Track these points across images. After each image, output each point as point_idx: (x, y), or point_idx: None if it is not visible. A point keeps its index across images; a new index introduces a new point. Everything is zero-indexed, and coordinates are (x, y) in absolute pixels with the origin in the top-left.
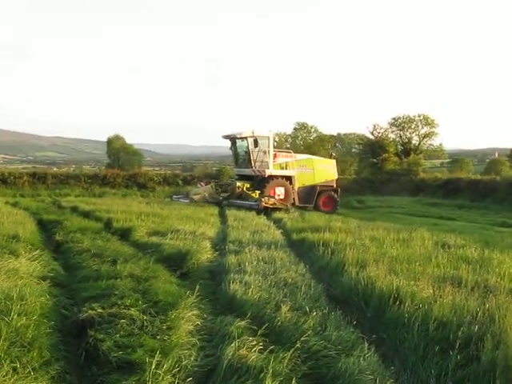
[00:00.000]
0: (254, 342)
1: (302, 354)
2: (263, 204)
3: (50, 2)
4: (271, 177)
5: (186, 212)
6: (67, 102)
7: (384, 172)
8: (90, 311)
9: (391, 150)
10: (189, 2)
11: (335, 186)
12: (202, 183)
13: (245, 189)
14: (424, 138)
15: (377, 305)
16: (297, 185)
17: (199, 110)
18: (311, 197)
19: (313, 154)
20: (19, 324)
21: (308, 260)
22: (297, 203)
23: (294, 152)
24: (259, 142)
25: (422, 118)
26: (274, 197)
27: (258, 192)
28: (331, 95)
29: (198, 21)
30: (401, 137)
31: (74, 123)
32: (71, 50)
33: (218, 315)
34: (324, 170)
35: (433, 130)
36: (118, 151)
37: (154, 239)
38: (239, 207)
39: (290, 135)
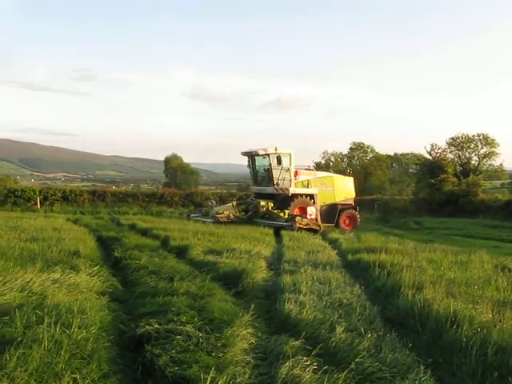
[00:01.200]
0: (308, 362)
1: (356, 375)
2: (297, 225)
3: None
4: (294, 195)
5: (242, 231)
6: (126, 121)
7: (442, 193)
8: (147, 327)
9: (450, 170)
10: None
11: (354, 203)
12: (212, 201)
13: (270, 208)
14: (484, 158)
15: (433, 328)
16: (319, 203)
17: (256, 130)
18: (332, 215)
19: (369, 174)
20: (80, 337)
21: (363, 281)
22: (319, 222)
23: (353, 172)
24: (282, 159)
25: (481, 137)
26: (305, 217)
27: (286, 211)
28: (388, 114)
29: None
30: (459, 157)
31: (133, 142)
32: (129, 71)
33: (272, 334)
34: (344, 188)
35: (493, 149)
36: (175, 170)
37: (210, 258)
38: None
39: (345, 155)
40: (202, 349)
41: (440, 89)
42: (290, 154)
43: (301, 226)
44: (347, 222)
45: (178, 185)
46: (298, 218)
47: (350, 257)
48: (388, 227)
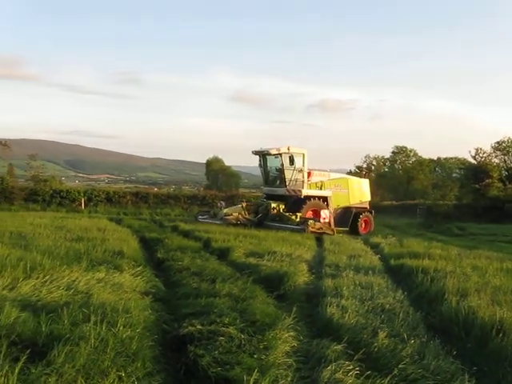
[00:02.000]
0: (351, 367)
1: (399, 381)
2: (310, 229)
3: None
4: (307, 197)
5: (282, 234)
6: (168, 123)
7: (487, 198)
8: (189, 327)
9: (495, 175)
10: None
11: (369, 207)
12: (222, 202)
13: (281, 210)
14: None
15: (478, 336)
16: (332, 206)
17: (298, 133)
18: (347, 219)
19: (412, 178)
20: (125, 335)
21: (406, 286)
22: (332, 225)
23: (397, 175)
24: (275, 160)
25: None
26: (318, 220)
27: (299, 214)
28: (432, 117)
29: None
30: (505, 161)
31: (174, 145)
32: (173, 74)
33: (314, 338)
34: (359, 191)
35: None
36: (216, 173)
37: (252, 260)
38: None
39: (388, 159)
40: (245, 350)
41: (486, 91)
42: (304, 154)
43: (313, 229)
44: (363, 225)
45: (219, 187)
46: (311, 221)
47: (392, 262)
48: (431, 232)
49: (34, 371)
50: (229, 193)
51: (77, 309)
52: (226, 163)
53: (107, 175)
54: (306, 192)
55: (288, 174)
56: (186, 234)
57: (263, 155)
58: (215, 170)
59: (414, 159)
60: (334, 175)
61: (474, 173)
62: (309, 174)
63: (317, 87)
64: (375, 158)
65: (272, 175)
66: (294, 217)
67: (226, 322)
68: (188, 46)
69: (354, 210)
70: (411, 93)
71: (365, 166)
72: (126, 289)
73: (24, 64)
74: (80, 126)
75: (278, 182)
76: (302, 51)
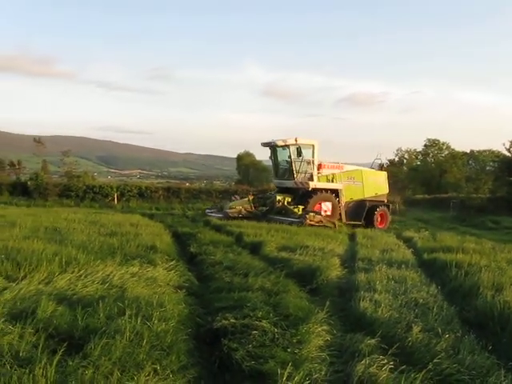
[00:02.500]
0: (385, 361)
1: (434, 376)
2: (308, 221)
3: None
4: (315, 190)
5: (315, 229)
6: (199, 118)
7: None
8: (223, 321)
9: None
10: None
11: (386, 200)
12: (236, 196)
13: (285, 203)
14: None
15: None
16: (344, 199)
17: (328, 127)
18: (360, 213)
19: (444, 171)
20: (159, 329)
21: (439, 281)
22: (344, 220)
23: (430, 168)
24: (303, 150)
25: None
26: (320, 213)
27: (300, 207)
28: (465, 110)
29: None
30: None
31: (206, 140)
32: (203, 69)
33: (347, 332)
34: (374, 183)
35: None
36: (247, 167)
37: (284, 254)
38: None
39: (420, 152)
40: (278, 344)
41: None
42: (314, 146)
43: (312, 222)
44: (379, 219)
45: (250, 182)
46: (311, 214)
47: (425, 256)
48: (464, 226)
49: (71, 363)
50: (260, 187)
51: (112, 303)
52: (257, 158)
53: (139, 171)
54: (313, 184)
55: (296, 166)
56: (218, 229)
57: (272, 147)
58: (246, 165)
59: (446, 152)
60: (348, 167)
61: (509, 165)
62: (319, 166)
63: (347, 80)
64: (407, 152)
65: (282, 168)
66: (296, 210)
67: (259, 315)
68: (219, 41)
69: (367, 204)
70: (444, 85)
71: (397, 159)
72: (160, 283)
73: (58, 62)
74: (112, 122)
75: (288, 174)
76: (332, 45)
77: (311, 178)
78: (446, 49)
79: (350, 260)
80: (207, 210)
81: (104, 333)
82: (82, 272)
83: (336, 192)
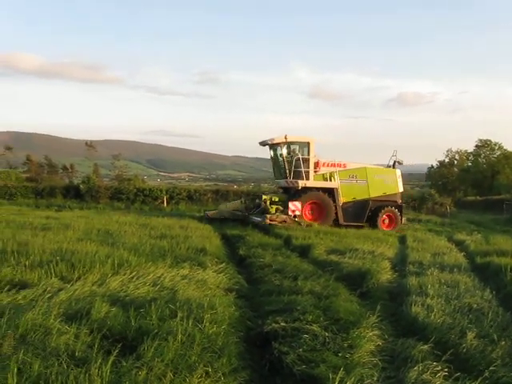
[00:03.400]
0: (439, 368)
1: None
2: (268, 221)
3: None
4: (306, 189)
5: (364, 231)
6: (247, 121)
7: None
8: (273, 324)
9: None
10: None
11: (399, 200)
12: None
13: (268, 203)
14: None
15: None
16: (341, 199)
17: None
18: (362, 213)
19: (497, 172)
20: (211, 331)
21: (494, 285)
22: (341, 221)
23: (481, 169)
24: (295, 148)
25: None
26: (287, 212)
27: (275, 207)
28: None
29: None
30: None
31: (254, 142)
32: (250, 72)
33: (398, 337)
34: (381, 182)
35: None
36: None
37: (333, 257)
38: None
39: (471, 153)
40: (329, 348)
41: None
42: (309, 143)
43: (273, 221)
44: (386, 221)
45: None
46: (277, 213)
47: (478, 259)
48: None
49: (125, 364)
50: None
51: (163, 304)
52: None
53: (188, 173)
54: (303, 183)
55: (287, 165)
56: (267, 231)
57: (271, 146)
58: None
59: (498, 153)
60: (351, 165)
61: None
62: (316, 165)
63: (394, 81)
64: (457, 152)
65: (278, 167)
66: (271, 209)
67: (309, 319)
68: (266, 44)
69: (370, 203)
70: (494, 84)
71: (447, 160)
72: (210, 285)
73: (108, 68)
74: (161, 126)
75: (283, 173)
76: (381, 45)
77: (306, 177)
78: (495, 48)
79: (400, 263)
80: (206, 212)
81: (156, 334)
82: (133, 274)
83: (330, 191)
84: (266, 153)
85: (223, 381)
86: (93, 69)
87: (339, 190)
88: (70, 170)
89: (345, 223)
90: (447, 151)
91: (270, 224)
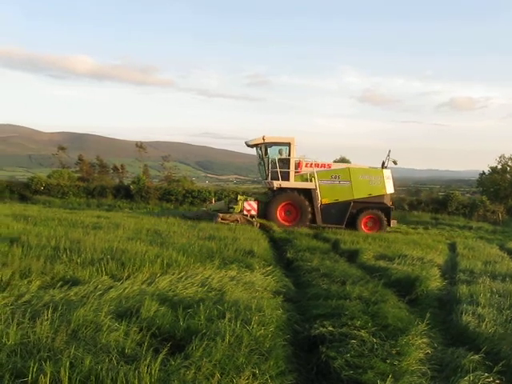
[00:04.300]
0: (490, 379)
1: None
2: (219, 220)
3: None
4: (281, 190)
5: (413, 237)
6: (295, 124)
7: None
8: (321, 328)
9: None
10: None
11: (388, 202)
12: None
13: (240, 203)
14: None
15: None
16: (323, 200)
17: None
18: (342, 215)
19: None
20: (258, 333)
21: None
22: (319, 222)
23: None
24: (271, 149)
25: None
26: (243, 211)
27: (236, 206)
28: None
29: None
30: None
31: (301, 145)
32: (299, 75)
33: (448, 346)
34: (366, 183)
35: None
36: None
37: (381, 263)
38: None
39: None
40: (377, 355)
41: None
42: (290, 144)
43: (225, 220)
44: (370, 224)
45: None
46: (228, 213)
47: None
48: None
49: (173, 363)
50: None
51: (211, 305)
52: (353, 163)
53: (235, 176)
54: (278, 184)
55: (265, 166)
56: (315, 235)
57: (253, 147)
58: None
59: None
60: (335, 166)
61: None
62: (298, 165)
63: (446, 85)
64: (511, 159)
65: (262, 168)
66: (236, 208)
67: (357, 324)
68: (315, 48)
69: (351, 205)
70: None
71: (499, 166)
72: (258, 287)
73: (159, 71)
74: (210, 129)
75: (262, 174)
76: (431, 49)
77: (286, 177)
78: None
79: (450, 271)
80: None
81: (204, 335)
82: (182, 274)
83: (307, 191)
84: (315, 157)
85: (270, 383)
86: (145, 71)
87: (317, 191)
88: (121, 171)
89: (323, 224)
90: (500, 157)
91: (221, 223)
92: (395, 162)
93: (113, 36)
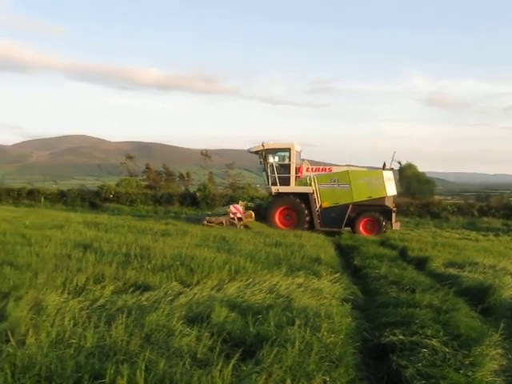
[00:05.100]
0: None
1: None
2: (205, 222)
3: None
4: (279, 195)
5: (484, 244)
6: (360, 130)
7: None
8: (391, 337)
9: None
10: None
11: (390, 204)
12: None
13: (241, 208)
14: None
15: None
16: (323, 203)
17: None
18: (338, 219)
19: None
20: (328, 341)
21: None
22: (317, 226)
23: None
24: (272, 155)
25: None
26: (230, 215)
27: (228, 210)
28: None
29: None
30: None
31: (366, 151)
32: (363, 81)
33: None
34: (366, 185)
35: None
36: (409, 179)
37: (451, 271)
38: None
39: None
40: (450, 365)
41: None
42: (290, 149)
43: (211, 223)
44: (368, 226)
45: (412, 194)
46: (218, 216)
47: None
48: None
49: (244, 368)
50: (424, 200)
51: (280, 312)
52: (420, 169)
53: None
54: (276, 189)
55: (267, 171)
56: (382, 242)
57: (255, 154)
58: (408, 177)
59: None
60: (336, 169)
61: None
62: (299, 170)
63: None
64: None
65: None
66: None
67: (428, 333)
68: (379, 52)
69: (350, 208)
70: None
71: None
72: (325, 294)
73: (223, 79)
74: (274, 136)
75: (265, 180)
76: (499, 50)
77: (285, 183)
78: None
79: None
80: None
81: (275, 341)
82: (249, 281)
83: (305, 196)
84: (380, 162)
85: None
86: (210, 80)
87: (315, 195)
88: (186, 178)
89: (321, 228)
90: None
91: (207, 225)
92: (399, 163)
93: (179, 47)
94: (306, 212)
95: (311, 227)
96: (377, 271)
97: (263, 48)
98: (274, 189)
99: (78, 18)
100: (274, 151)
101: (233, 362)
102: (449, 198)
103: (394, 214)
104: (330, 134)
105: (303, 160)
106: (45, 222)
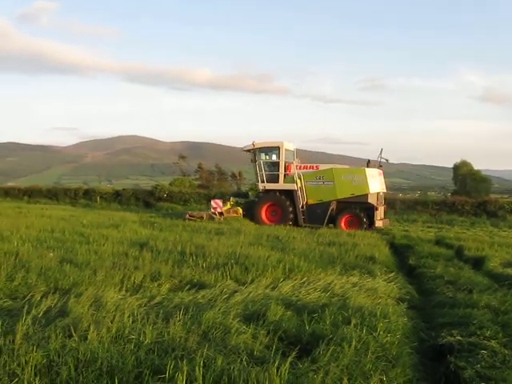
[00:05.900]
0: None
1: None
2: (187, 216)
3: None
4: (266, 192)
5: None
6: (412, 128)
7: None
8: (448, 337)
9: None
10: None
11: (374, 201)
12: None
13: (229, 204)
14: None
15: None
16: (308, 200)
17: None
18: (321, 214)
19: None
20: (384, 340)
21: None
22: (301, 222)
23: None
24: (269, 153)
25: None
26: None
27: (228, 206)
28: None
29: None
30: None
31: (419, 149)
32: (415, 77)
33: None
34: (349, 182)
35: None
36: (464, 177)
37: (510, 271)
38: None
39: None
40: (510, 367)
41: None
42: (279, 148)
43: (192, 217)
44: (351, 223)
45: (467, 192)
46: (200, 211)
47: None
48: None
49: (301, 366)
50: (480, 198)
51: (335, 311)
52: (475, 167)
53: None
54: (263, 186)
55: (256, 169)
56: (437, 241)
57: (247, 152)
58: (463, 175)
59: None
60: (322, 167)
61: None
62: (287, 168)
63: None
64: None
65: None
66: (227, 207)
67: (486, 334)
68: (431, 49)
69: (331, 205)
70: None
71: None
72: (380, 294)
73: (273, 78)
74: (326, 134)
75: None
76: None
77: (274, 180)
78: None
79: None
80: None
81: (331, 340)
82: (304, 279)
83: (289, 193)
84: (433, 160)
85: None
86: (260, 79)
87: (300, 192)
88: (238, 177)
89: (305, 224)
90: None
91: (189, 219)
92: (386, 160)
93: (229, 47)
94: (291, 209)
95: (296, 223)
96: (432, 271)
97: (313, 47)
98: (261, 186)
99: (132, 19)
100: (265, 150)
101: (289, 359)
102: (505, 196)
103: (379, 211)
104: (382, 131)
105: (296, 158)
106: (101, 220)
